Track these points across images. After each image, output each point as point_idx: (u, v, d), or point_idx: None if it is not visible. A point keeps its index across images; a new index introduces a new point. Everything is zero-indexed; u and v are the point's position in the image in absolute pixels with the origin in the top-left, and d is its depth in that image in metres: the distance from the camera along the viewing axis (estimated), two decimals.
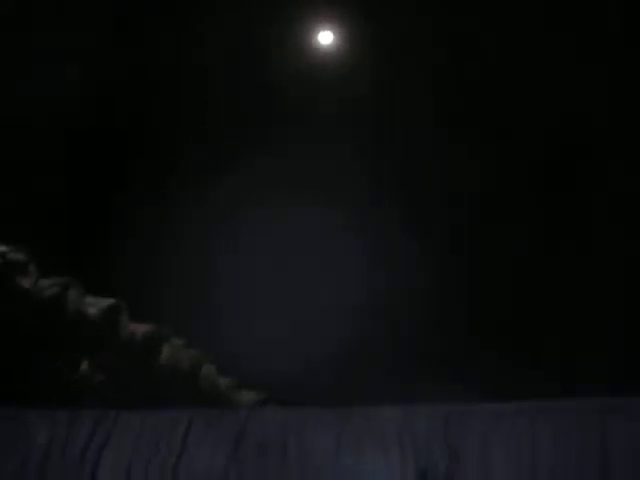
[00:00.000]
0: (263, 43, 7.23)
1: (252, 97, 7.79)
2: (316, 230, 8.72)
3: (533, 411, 3.98)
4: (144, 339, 4.59)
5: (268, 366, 5.60)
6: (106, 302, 4.39)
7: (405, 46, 7.73)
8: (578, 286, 8.68)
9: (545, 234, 9.36)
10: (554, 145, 8.99)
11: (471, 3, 8.26)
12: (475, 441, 3.92)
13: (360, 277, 8.30)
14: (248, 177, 8.21)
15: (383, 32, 7.52)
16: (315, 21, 7.27)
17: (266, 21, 7.12)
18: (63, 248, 5.34)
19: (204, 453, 4.00)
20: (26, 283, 4.15)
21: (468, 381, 6.91)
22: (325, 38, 6.87)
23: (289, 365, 6.19)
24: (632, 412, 3.97)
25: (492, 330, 8.65)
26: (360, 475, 3.88)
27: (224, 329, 5.66)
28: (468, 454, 3.89)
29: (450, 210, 8.87)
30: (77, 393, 4.57)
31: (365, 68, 7.73)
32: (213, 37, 7.15)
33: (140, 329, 4.70)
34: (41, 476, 4.14)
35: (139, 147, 8.29)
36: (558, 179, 9.23)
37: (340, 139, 8.47)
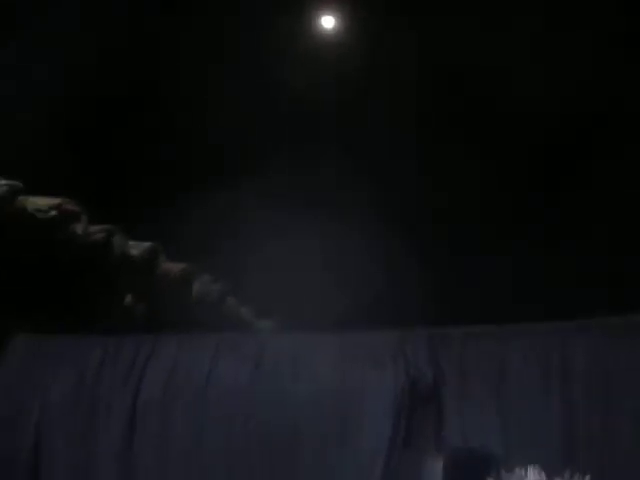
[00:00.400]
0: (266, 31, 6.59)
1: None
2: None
3: (504, 334, 4.16)
4: (178, 275, 4.82)
5: (282, 300, 5.70)
6: (145, 245, 4.61)
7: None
8: None
9: None
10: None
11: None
12: (455, 359, 4.10)
13: None
14: None
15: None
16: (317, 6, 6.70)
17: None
18: (105, 199, 5.42)
19: (230, 370, 4.22)
20: (79, 230, 4.47)
21: None
22: (327, 22, 6.39)
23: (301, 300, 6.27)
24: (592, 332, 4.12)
25: None
26: (360, 384, 4.07)
27: (246, 268, 5.67)
28: (450, 371, 4.06)
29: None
30: (123, 322, 4.79)
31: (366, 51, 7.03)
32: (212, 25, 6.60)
33: (175, 267, 4.91)
34: (93, 394, 4.33)
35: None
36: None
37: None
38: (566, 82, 6.88)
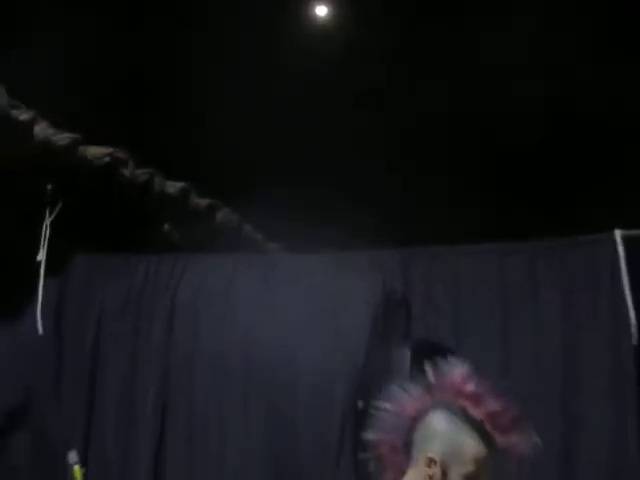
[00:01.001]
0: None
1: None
2: None
3: (459, 253, 4.38)
4: (205, 208, 5.01)
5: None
6: (180, 185, 4.78)
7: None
8: None
9: None
10: None
11: None
12: (421, 274, 4.34)
13: None
14: None
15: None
16: None
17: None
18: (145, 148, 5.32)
19: (245, 281, 4.43)
20: (127, 172, 4.75)
21: None
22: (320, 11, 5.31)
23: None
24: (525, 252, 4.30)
25: None
26: (348, 293, 4.28)
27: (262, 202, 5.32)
28: (416, 283, 4.32)
29: None
30: (162, 247, 4.86)
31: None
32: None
33: (203, 202, 5.03)
34: (139, 302, 4.53)
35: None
36: None
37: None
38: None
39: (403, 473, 2.48)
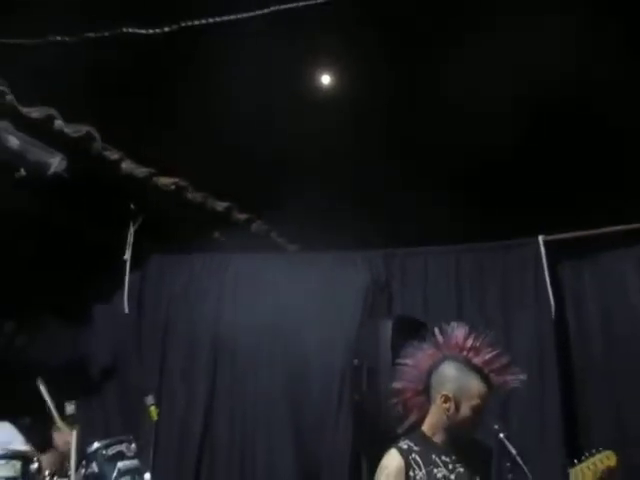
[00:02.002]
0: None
1: None
2: None
3: (428, 252, 4.52)
4: (244, 221, 5.05)
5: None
6: (225, 204, 4.81)
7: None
8: None
9: None
10: None
11: None
12: (399, 266, 4.51)
13: None
14: None
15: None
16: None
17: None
18: None
19: (272, 272, 4.52)
20: (188, 196, 4.59)
21: None
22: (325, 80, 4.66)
23: None
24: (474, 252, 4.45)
25: None
26: (345, 280, 4.41)
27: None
28: (395, 273, 4.49)
29: None
30: (213, 248, 4.85)
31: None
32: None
33: (242, 216, 5.04)
34: (196, 290, 4.61)
35: None
36: None
37: None
38: None
39: (425, 411, 2.57)
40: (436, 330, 2.63)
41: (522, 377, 2.58)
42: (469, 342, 2.57)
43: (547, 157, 4.94)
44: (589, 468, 2.51)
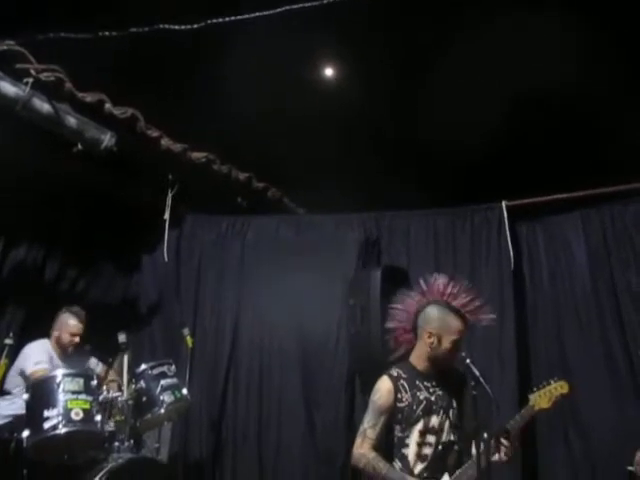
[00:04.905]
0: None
1: None
2: None
3: (411, 215, 4.39)
4: (261, 188, 4.81)
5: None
6: (246, 174, 4.62)
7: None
8: None
9: None
10: None
11: None
12: (387, 226, 4.38)
13: None
14: None
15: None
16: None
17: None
18: None
19: (285, 232, 4.51)
20: (216, 167, 4.40)
21: None
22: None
23: None
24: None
25: None
26: (343, 238, 4.33)
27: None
28: (385, 232, 4.39)
29: None
30: (236, 211, 4.73)
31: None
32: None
33: (260, 185, 4.86)
34: (223, 245, 4.51)
35: None
36: None
37: None
38: None
39: (412, 346, 2.56)
40: (421, 280, 2.60)
41: (492, 316, 2.56)
42: (449, 289, 2.55)
43: (511, 138, 4.79)
44: (545, 394, 2.48)
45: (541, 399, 2.47)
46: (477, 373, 2.33)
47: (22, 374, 3.48)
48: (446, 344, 2.47)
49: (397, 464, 2.43)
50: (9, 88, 3.35)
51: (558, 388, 2.48)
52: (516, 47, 3.87)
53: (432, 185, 4.66)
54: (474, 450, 2.30)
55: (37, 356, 3.55)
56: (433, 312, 2.53)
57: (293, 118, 4.75)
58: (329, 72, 4.52)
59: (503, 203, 4.18)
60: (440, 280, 2.57)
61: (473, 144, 4.59)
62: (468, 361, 2.38)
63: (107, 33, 3.23)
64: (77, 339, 3.73)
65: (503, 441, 2.34)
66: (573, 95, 4.19)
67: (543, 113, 4.60)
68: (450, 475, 2.42)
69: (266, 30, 3.44)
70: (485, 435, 2.21)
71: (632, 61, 3.98)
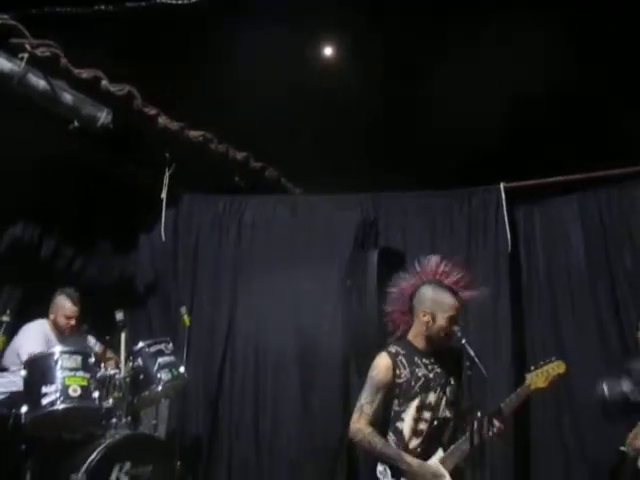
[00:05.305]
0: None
1: None
2: None
3: (406, 197, 4.40)
4: (259, 168, 4.80)
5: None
6: (244, 153, 4.59)
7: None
8: None
9: None
10: None
11: None
12: (384, 207, 4.41)
13: None
14: None
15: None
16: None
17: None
18: None
19: (281, 211, 4.50)
20: (213, 147, 4.40)
21: None
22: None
23: None
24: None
25: None
26: (341, 218, 4.33)
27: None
28: (381, 212, 4.39)
29: None
30: (233, 190, 4.74)
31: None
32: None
33: (258, 164, 4.77)
34: (220, 224, 4.51)
35: None
36: None
37: None
38: None
39: (410, 326, 2.58)
40: (415, 263, 2.64)
41: (485, 290, 2.60)
42: (440, 267, 2.59)
43: (510, 121, 4.74)
44: (542, 374, 2.49)
45: (538, 378, 2.48)
46: (472, 353, 2.34)
47: (18, 356, 3.48)
48: (441, 321, 2.49)
49: (391, 437, 2.46)
50: (4, 63, 3.31)
51: (555, 368, 2.49)
52: (519, 35, 3.87)
53: (430, 167, 4.57)
54: (468, 428, 2.31)
55: (33, 341, 3.55)
56: (426, 292, 2.56)
57: (292, 98, 4.68)
58: (329, 51, 4.47)
59: (501, 185, 4.17)
60: (432, 260, 2.61)
61: (472, 127, 4.55)
62: (464, 341, 2.39)
63: (103, 7, 3.13)
64: (73, 321, 3.73)
65: (495, 422, 2.37)
66: (573, 80, 4.20)
67: (542, 97, 4.58)
68: (444, 451, 2.46)
69: (265, 5, 3.42)
70: (479, 413, 2.22)
71: (629, 48, 3.95)
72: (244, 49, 4.07)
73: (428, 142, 4.80)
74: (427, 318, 2.52)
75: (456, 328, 2.47)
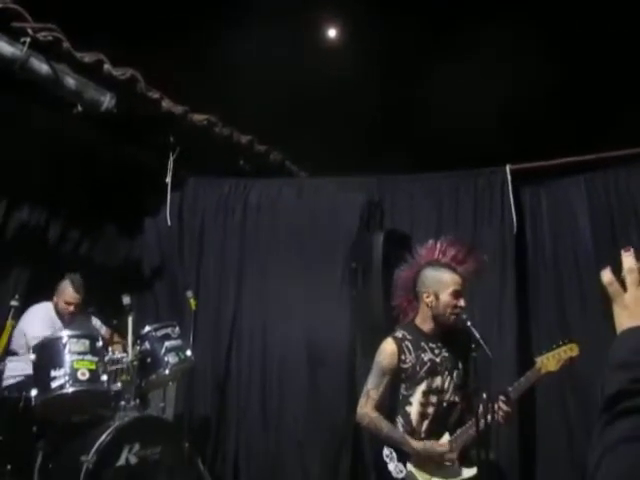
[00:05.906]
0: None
1: None
2: None
3: (412, 181, 4.34)
4: (264, 151, 4.78)
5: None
6: (248, 137, 4.57)
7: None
8: None
9: None
10: None
11: None
12: (389, 191, 4.35)
13: None
14: None
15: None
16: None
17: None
18: None
19: (287, 194, 4.44)
20: (217, 130, 4.35)
21: None
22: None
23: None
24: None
25: None
26: (346, 200, 4.27)
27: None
28: (386, 195, 4.33)
29: None
30: (238, 173, 4.67)
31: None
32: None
33: (262, 147, 4.78)
34: (225, 206, 4.48)
35: None
36: None
37: None
38: None
39: (417, 311, 2.60)
40: (416, 249, 2.68)
41: (485, 258, 2.61)
42: (437, 247, 2.61)
43: (516, 102, 4.76)
44: (554, 357, 2.43)
45: (549, 362, 2.43)
46: (477, 335, 2.33)
47: (24, 336, 3.50)
48: (445, 298, 2.50)
49: (400, 420, 2.48)
50: (6, 48, 3.27)
51: (567, 351, 2.43)
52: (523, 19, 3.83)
53: (436, 149, 4.59)
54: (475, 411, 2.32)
55: (39, 323, 3.56)
56: (427, 273, 2.58)
57: (295, 81, 4.67)
58: (332, 34, 4.34)
59: (507, 167, 4.12)
60: (429, 244, 2.64)
61: (478, 109, 4.58)
62: (469, 323, 2.39)
63: None
64: (72, 308, 3.73)
65: (502, 405, 2.35)
66: (580, 60, 4.18)
67: (548, 77, 4.58)
68: (451, 434, 2.46)
69: None
70: (484, 396, 2.22)
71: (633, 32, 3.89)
72: (248, 34, 4.05)
73: (434, 124, 4.80)
74: (430, 298, 2.53)
75: (461, 303, 2.45)
